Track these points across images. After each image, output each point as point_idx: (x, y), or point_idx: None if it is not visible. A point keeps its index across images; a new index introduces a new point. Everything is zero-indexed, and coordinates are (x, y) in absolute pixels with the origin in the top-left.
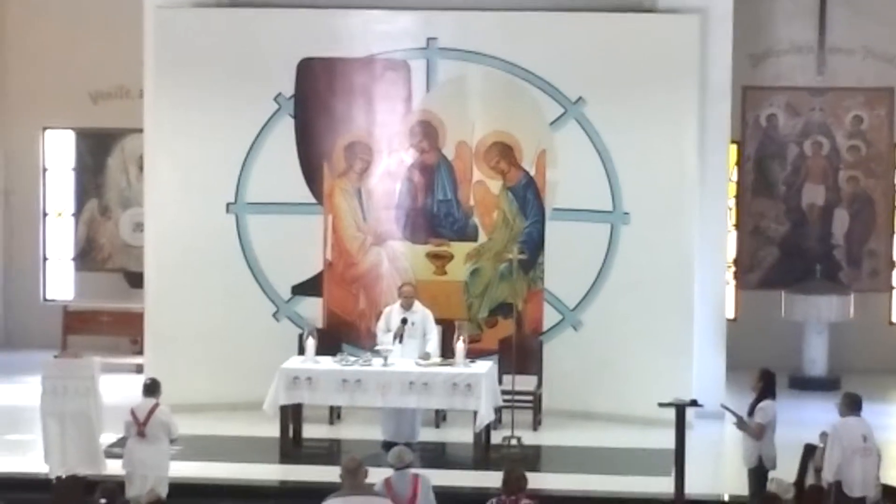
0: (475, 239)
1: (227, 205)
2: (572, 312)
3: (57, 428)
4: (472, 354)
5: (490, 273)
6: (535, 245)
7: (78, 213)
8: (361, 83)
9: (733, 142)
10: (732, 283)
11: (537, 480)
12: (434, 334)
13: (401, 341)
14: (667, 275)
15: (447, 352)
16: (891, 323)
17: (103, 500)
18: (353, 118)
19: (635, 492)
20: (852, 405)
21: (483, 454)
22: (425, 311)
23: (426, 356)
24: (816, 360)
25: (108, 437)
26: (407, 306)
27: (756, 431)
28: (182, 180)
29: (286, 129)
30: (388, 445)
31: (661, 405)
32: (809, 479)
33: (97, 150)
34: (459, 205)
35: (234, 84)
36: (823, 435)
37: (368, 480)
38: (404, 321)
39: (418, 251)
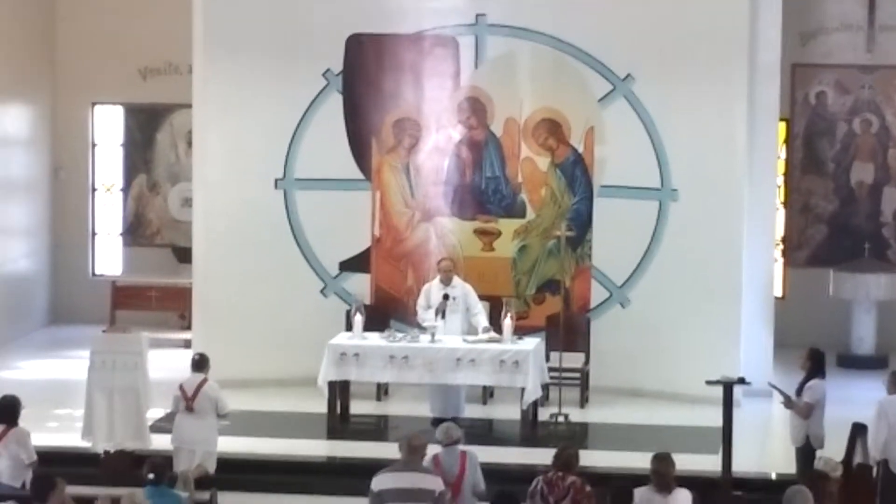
0: (523, 215)
1: (276, 181)
2: (620, 289)
3: (105, 402)
4: (520, 331)
5: (538, 250)
6: (583, 222)
7: (127, 189)
8: (410, 59)
9: (782, 119)
10: (780, 260)
11: (584, 457)
12: (480, 307)
13: (443, 317)
14: (715, 252)
15: (495, 328)
16: None
17: (151, 475)
18: (401, 94)
19: (682, 469)
20: None
21: (530, 431)
22: (465, 286)
23: (486, 329)
24: (864, 338)
25: (155, 412)
26: (446, 281)
27: (804, 411)
28: (230, 156)
29: (335, 104)
30: (437, 422)
31: (708, 383)
32: (857, 458)
33: (146, 125)
34: (507, 181)
35: (282, 60)
36: None
37: None
38: (445, 297)
39: (466, 227)
